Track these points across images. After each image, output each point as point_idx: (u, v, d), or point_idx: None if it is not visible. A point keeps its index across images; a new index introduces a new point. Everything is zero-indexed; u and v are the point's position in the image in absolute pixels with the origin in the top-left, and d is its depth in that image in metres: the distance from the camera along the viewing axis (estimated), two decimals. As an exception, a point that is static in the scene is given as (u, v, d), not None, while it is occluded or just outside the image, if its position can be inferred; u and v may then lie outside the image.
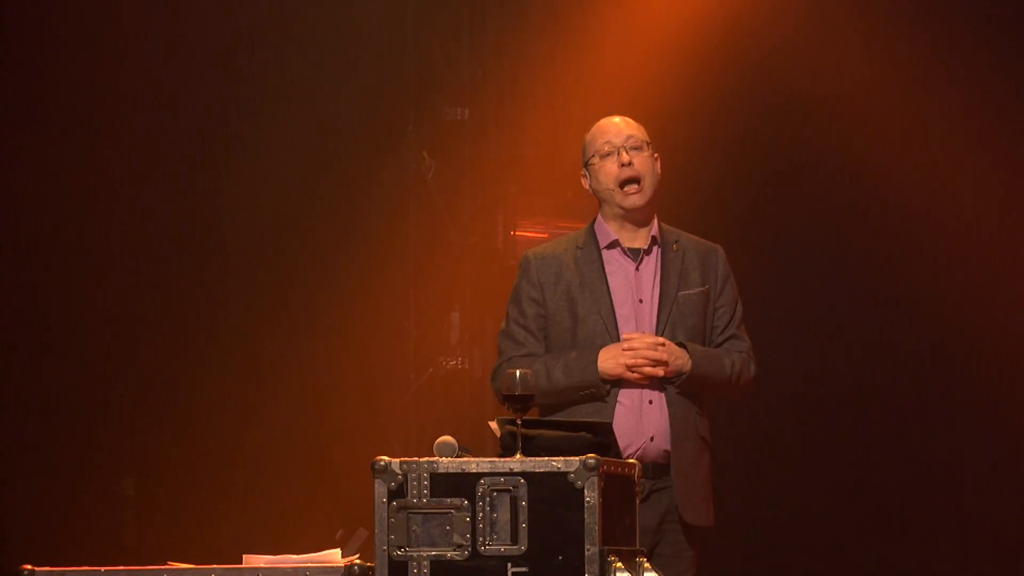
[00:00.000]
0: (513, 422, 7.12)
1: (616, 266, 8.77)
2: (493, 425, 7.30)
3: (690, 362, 8.42)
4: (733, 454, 10.90)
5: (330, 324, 11.24)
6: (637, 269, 8.80)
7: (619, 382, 8.71)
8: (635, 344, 8.57)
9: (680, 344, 8.61)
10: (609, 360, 8.53)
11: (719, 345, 8.85)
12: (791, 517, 12.21)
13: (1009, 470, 12.61)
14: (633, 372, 8.52)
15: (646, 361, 8.59)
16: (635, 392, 8.58)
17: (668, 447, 8.44)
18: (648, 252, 8.75)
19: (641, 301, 8.87)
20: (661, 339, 8.58)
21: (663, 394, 8.51)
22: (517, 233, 11.20)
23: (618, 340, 8.80)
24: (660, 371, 8.47)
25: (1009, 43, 12.44)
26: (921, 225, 12.64)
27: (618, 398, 8.52)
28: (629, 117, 8.90)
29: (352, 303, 11.26)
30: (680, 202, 10.54)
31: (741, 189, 12.25)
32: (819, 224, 12.60)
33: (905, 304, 12.81)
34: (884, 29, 12.54)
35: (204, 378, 11.19)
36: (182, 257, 11.69)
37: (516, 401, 7.13)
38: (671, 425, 8.51)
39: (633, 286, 8.85)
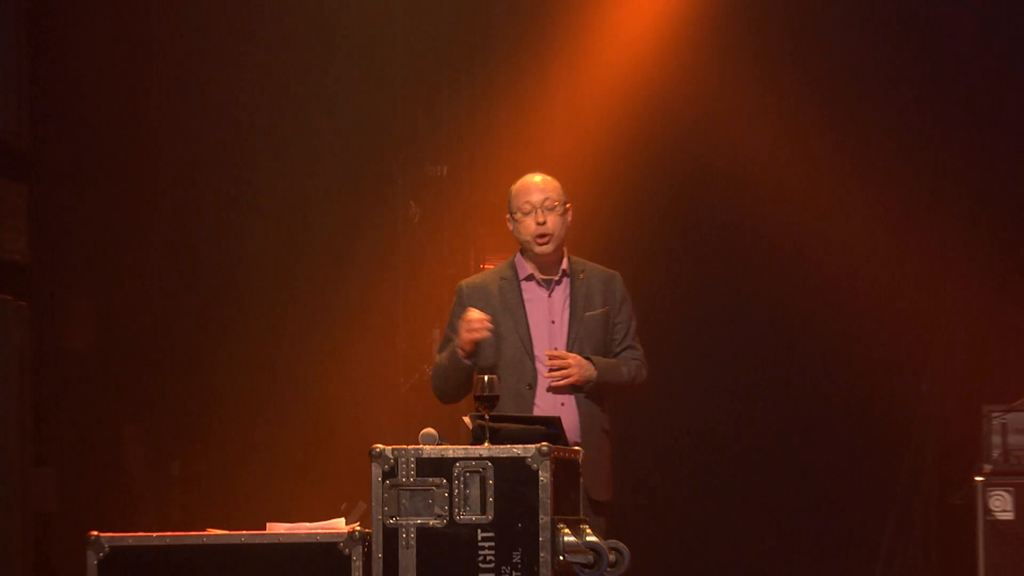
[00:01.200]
0: (482, 417, 7.74)
1: (533, 294, 9.08)
2: (466, 420, 7.87)
3: (595, 372, 8.83)
4: (634, 442, 11.12)
5: (335, 338, 11.52)
6: (550, 296, 9.09)
7: (535, 385, 9.03)
8: (554, 362, 8.96)
9: (587, 358, 8.88)
10: (461, 333, 8.89)
11: (618, 354, 9.07)
12: (684, 495, 12.43)
13: (869, 475, 12.82)
14: (554, 382, 8.94)
15: (480, 327, 8.86)
16: (550, 396, 8.94)
17: (578, 439, 8.76)
18: (559, 282, 9.08)
19: (553, 322, 9.13)
20: (573, 354, 8.95)
21: (573, 397, 8.93)
22: (484, 265, 11.34)
23: (533, 355, 9.12)
24: (571, 381, 8.90)
25: (896, 125, 12.73)
26: (809, 266, 12.73)
27: (535, 401, 8.88)
28: (550, 177, 9.09)
29: (352, 321, 11.60)
30: (602, 236, 11.33)
31: (655, 227, 12.47)
32: (717, 260, 12.81)
33: (781, 330, 12.88)
34: (782, 106, 12.70)
35: (233, 384, 11.47)
36: (214, 285, 11.82)
37: (485, 401, 7.74)
38: (580, 422, 8.87)
39: (547, 310, 9.11)
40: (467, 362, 8.74)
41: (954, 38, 12.88)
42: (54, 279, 10.67)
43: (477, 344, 8.88)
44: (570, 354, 8.78)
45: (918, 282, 12.49)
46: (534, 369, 8.99)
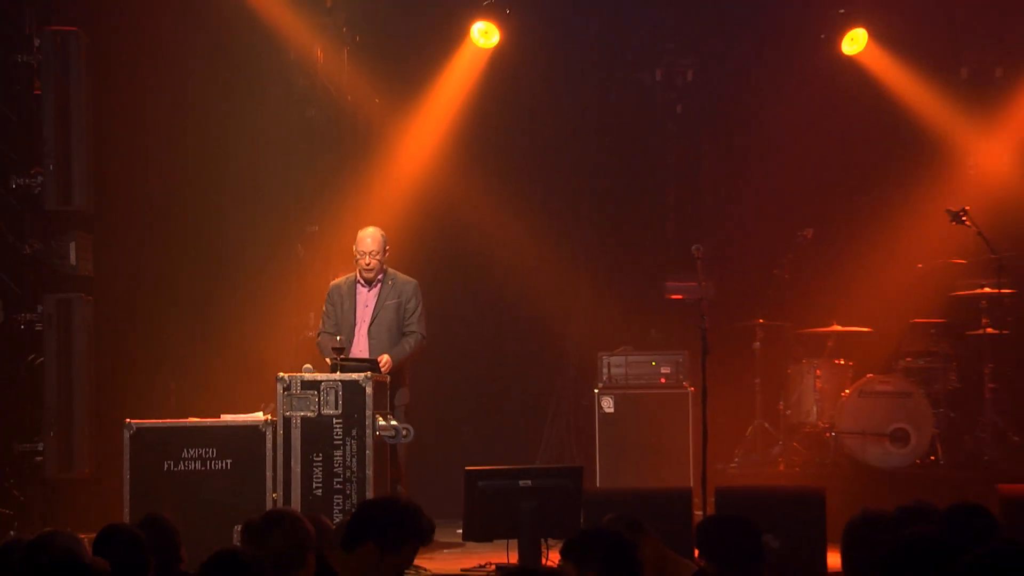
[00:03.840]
0: (336, 359, 9.17)
1: (361, 290, 9.90)
2: (328, 361, 9.28)
3: (395, 360, 9.60)
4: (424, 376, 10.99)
5: (259, 318, 11.16)
6: (368, 291, 9.89)
7: (354, 336, 9.69)
8: (385, 367, 9.40)
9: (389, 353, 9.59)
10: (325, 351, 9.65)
11: (406, 330, 9.91)
12: (440, 406, 11.76)
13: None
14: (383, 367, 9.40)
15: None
16: (366, 344, 9.79)
17: (406, 400, 9.84)
18: (375, 285, 9.84)
19: (367, 306, 9.88)
20: (387, 359, 9.49)
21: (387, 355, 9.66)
22: (339, 275, 10.42)
23: (354, 322, 9.79)
24: (389, 369, 9.38)
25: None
26: (511, 283, 12.44)
27: (355, 345, 9.78)
28: (377, 230, 9.74)
29: (267, 309, 11.23)
30: (410, 261, 10.72)
31: (434, 256, 11.83)
32: (467, 280, 12.46)
33: (495, 317, 12.71)
34: (497, 194, 12.20)
35: (207, 346, 11.04)
36: (197, 289, 11.15)
37: (337, 350, 9.23)
38: (395, 380, 9.68)
39: (365, 300, 9.92)
40: (335, 356, 9.26)
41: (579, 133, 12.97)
42: (106, 286, 10.18)
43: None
44: (389, 361, 9.48)
45: (560, 288, 12.49)
46: (353, 330, 9.87)
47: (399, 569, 5.15)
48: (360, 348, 9.80)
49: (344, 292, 9.85)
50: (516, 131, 12.75)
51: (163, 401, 9.93)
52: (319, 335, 9.98)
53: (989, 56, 12.65)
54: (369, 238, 9.68)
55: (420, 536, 5.32)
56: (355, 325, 9.81)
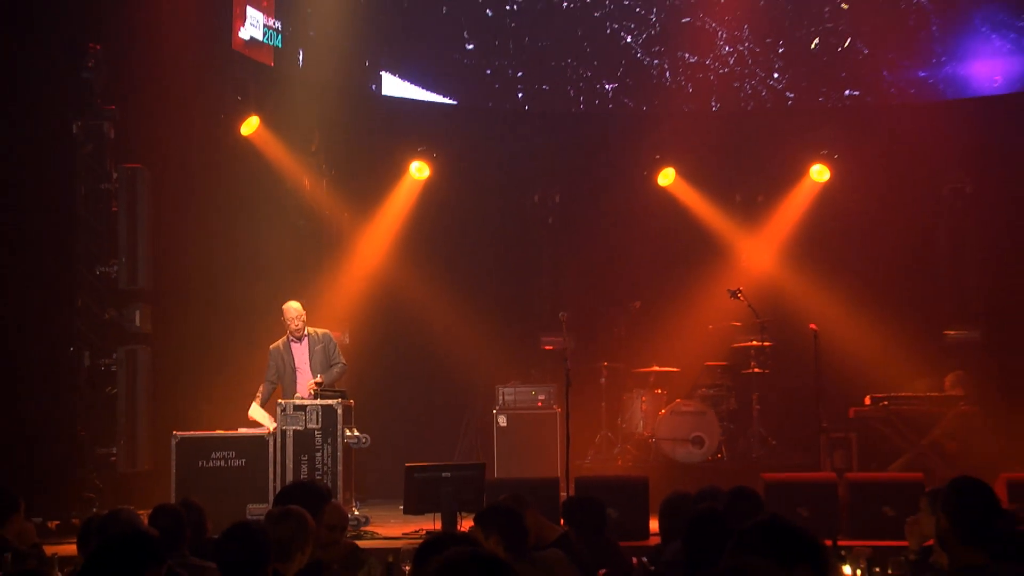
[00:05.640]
0: (316, 391, 9.00)
1: (294, 345, 9.50)
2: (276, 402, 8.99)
3: (324, 381, 9.18)
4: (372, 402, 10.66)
5: (247, 372, 10.09)
6: (300, 345, 9.52)
7: (295, 381, 9.27)
8: (299, 395, 9.19)
9: (324, 376, 9.23)
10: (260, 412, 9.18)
11: (333, 363, 9.54)
12: (384, 418, 11.15)
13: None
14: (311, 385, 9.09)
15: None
16: (305, 386, 9.36)
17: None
18: (302, 340, 9.49)
19: (303, 355, 9.49)
20: (316, 382, 9.13)
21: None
22: (278, 341, 9.62)
23: (295, 369, 9.37)
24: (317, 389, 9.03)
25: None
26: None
27: (298, 394, 9.31)
28: (298, 304, 9.40)
29: (244, 365, 10.22)
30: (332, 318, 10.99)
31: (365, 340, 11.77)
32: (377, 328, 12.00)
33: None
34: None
35: (232, 372, 10.37)
36: (220, 318, 10.71)
37: (319, 385, 8.96)
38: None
39: (299, 351, 9.54)
40: (315, 386, 8.98)
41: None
42: (159, 340, 9.75)
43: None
44: (322, 379, 9.18)
45: (472, 341, 11.99)
46: (295, 373, 9.51)
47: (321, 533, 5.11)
48: (303, 383, 9.42)
49: (282, 350, 9.59)
50: (441, 234, 12.67)
51: (199, 419, 9.65)
52: (265, 380, 9.59)
53: (754, 187, 12.79)
54: (294, 310, 9.52)
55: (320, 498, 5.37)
56: (296, 370, 9.53)
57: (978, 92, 12.33)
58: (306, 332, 9.55)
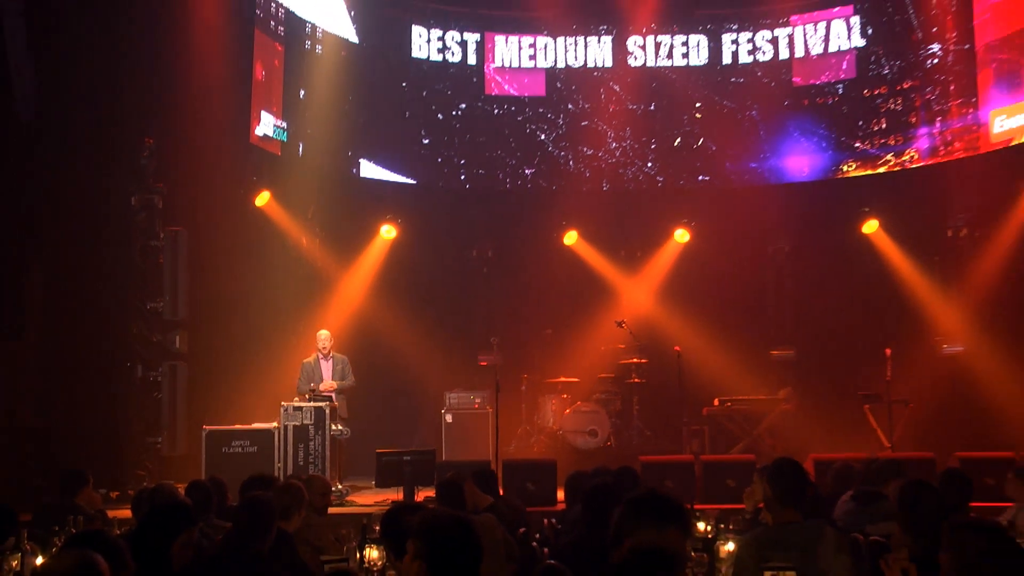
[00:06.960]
0: (311, 395, 9.01)
1: (322, 361, 9.58)
2: (306, 394, 9.08)
3: (336, 386, 9.38)
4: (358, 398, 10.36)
5: (277, 376, 10.13)
6: (326, 361, 9.61)
7: (317, 387, 9.29)
8: (322, 388, 9.29)
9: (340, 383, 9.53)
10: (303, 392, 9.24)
11: (345, 378, 9.62)
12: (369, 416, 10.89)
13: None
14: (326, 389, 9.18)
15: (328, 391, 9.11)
16: (328, 390, 9.55)
17: (345, 415, 9.45)
18: (329, 358, 9.58)
19: (328, 369, 9.56)
20: (335, 384, 9.40)
21: (334, 394, 9.34)
22: (310, 355, 9.85)
23: (321, 379, 9.35)
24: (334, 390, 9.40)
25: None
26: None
27: (321, 390, 9.38)
28: (327, 332, 9.61)
29: (279, 373, 10.17)
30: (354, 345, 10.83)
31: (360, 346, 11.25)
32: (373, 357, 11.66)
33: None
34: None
35: (248, 379, 10.14)
36: (247, 335, 10.63)
37: (312, 390, 9.11)
38: (340, 406, 9.29)
39: (327, 367, 9.62)
40: (310, 391, 9.10)
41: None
42: (194, 359, 9.63)
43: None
44: (336, 385, 9.43)
45: (428, 359, 11.79)
46: (322, 379, 9.52)
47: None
48: (327, 387, 9.43)
49: (313, 364, 9.61)
50: (405, 279, 12.31)
51: (223, 416, 9.41)
52: (299, 383, 9.53)
53: (634, 245, 12.74)
54: (325, 336, 9.71)
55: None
56: (323, 378, 9.53)
57: (792, 179, 12.62)
58: (331, 353, 9.61)
